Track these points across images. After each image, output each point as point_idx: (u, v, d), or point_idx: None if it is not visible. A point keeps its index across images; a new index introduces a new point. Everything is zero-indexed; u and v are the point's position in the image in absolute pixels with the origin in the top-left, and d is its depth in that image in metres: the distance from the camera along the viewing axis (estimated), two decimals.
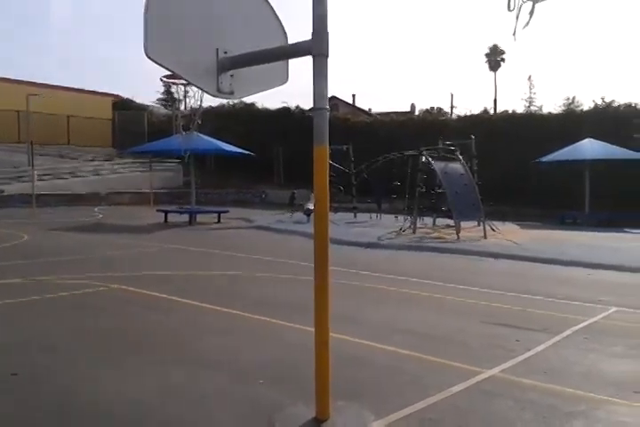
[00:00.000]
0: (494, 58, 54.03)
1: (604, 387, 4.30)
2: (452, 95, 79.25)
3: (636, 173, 19.97)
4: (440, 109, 44.56)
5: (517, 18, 3.98)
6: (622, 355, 5.16)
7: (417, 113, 41.66)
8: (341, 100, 45.23)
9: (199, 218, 18.15)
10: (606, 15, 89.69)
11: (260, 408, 3.79)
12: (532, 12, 3.91)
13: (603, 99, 23.38)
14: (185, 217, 17.91)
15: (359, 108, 44.23)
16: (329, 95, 3.88)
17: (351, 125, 27.89)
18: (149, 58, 3.70)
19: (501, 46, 54.01)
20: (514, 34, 4.04)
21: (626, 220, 17.74)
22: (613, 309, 6.99)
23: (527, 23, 4.00)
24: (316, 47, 3.67)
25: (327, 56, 3.69)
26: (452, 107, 46.37)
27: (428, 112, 40.99)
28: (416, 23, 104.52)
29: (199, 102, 5.11)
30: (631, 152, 19.27)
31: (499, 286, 8.40)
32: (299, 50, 3.94)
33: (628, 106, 22.59)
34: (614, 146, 19.35)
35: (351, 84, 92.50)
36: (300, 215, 17.30)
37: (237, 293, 7.69)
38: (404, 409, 3.76)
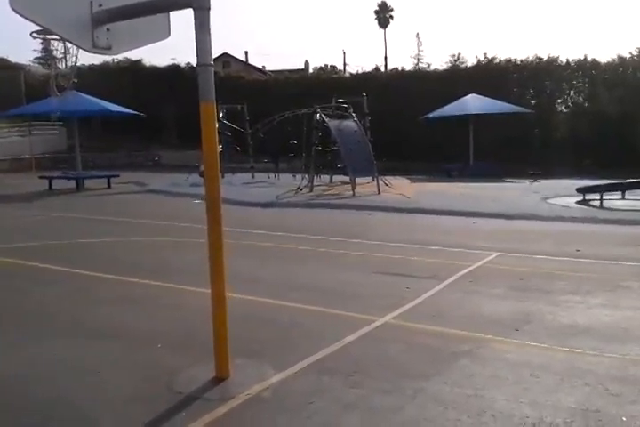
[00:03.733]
0: (383, 15, 54.43)
1: (487, 327, 4.65)
2: (344, 52, 79.20)
3: (515, 125, 21.21)
4: (334, 67, 44.55)
5: None
6: (503, 296, 5.59)
7: (311, 71, 41.43)
8: (234, 58, 43.99)
9: (87, 183, 17.24)
10: None
11: (160, 372, 3.76)
12: None
13: (485, 55, 24.35)
14: (71, 183, 16.95)
15: (252, 66, 43.26)
16: (221, 52, 3.77)
17: (245, 84, 27.28)
18: (15, 11, 3.42)
19: (390, 3, 54.50)
20: None
21: (506, 170, 18.94)
22: (495, 254, 7.51)
23: None
24: (197, 0, 3.51)
25: (209, 9, 3.54)
26: (344, 64, 46.61)
27: (322, 70, 40.86)
28: None
29: (74, 59, 4.74)
30: (511, 106, 20.40)
31: (391, 238, 8.76)
32: (178, 2, 3.76)
33: (508, 61, 23.67)
34: (496, 100, 20.36)
35: (244, 42, 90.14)
36: (196, 177, 16.88)
37: (130, 259, 7.46)
38: (302, 361, 3.88)
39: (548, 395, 3.41)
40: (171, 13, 4.27)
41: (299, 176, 16.54)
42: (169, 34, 4.44)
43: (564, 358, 4.01)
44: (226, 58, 42.28)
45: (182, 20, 4.35)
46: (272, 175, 19.26)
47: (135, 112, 19.05)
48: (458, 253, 7.67)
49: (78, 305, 5.39)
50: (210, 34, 3.56)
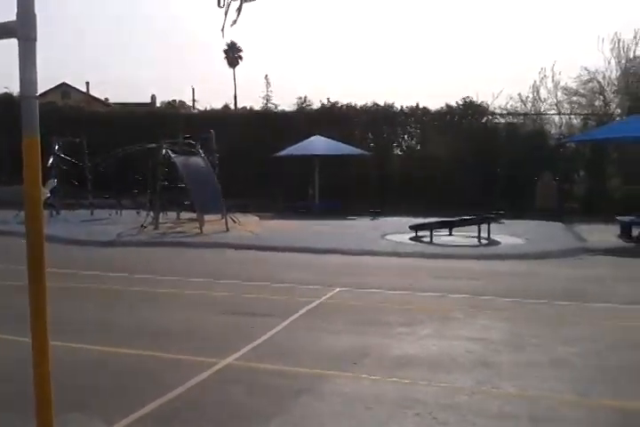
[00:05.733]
0: (232, 54, 55.24)
1: (327, 362, 4.75)
2: (193, 89, 78.88)
3: (357, 166, 22.42)
4: (182, 103, 44.11)
5: (226, 15, 4.11)
6: (343, 331, 5.76)
7: (158, 105, 40.64)
8: (73, 88, 41.89)
9: None
10: (331, 21, 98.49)
11: None
12: (239, 10, 4.07)
13: (328, 99, 25.68)
14: None
15: (94, 97, 41.42)
16: (60, 81, 3.56)
17: (87, 115, 25.98)
18: None
19: (239, 44, 55.55)
20: (222, 30, 4.17)
21: (349, 208, 19.90)
22: (337, 289, 7.76)
23: (235, 21, 4.16)
24: (22, 30, 3.30)
25: (34, 39, 3.33)
26: (193, 100, 46.29)
27: (170, 105, 40.25)
28: (157, 14, 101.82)
29: None
30: (352, 148, 21.60)
31: (237, 276, 8.71)
32: (1, 31, 3.52)
33: (349, 106, 25.16)
34: (339, 142, 21.44)
35: (85, 72, 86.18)
36: None
37: None
38: (137, 412, 3.66)
39: None
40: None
41: (143, 213, 15.95)
42: None
43: (397, 388, 4.21)
44: (65, 88, 40.17)
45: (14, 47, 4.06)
46: (114, 212, 18.36)
47: None
48: (301, 289, 7.81)
49: None
50: (35, 65, 3.35)
